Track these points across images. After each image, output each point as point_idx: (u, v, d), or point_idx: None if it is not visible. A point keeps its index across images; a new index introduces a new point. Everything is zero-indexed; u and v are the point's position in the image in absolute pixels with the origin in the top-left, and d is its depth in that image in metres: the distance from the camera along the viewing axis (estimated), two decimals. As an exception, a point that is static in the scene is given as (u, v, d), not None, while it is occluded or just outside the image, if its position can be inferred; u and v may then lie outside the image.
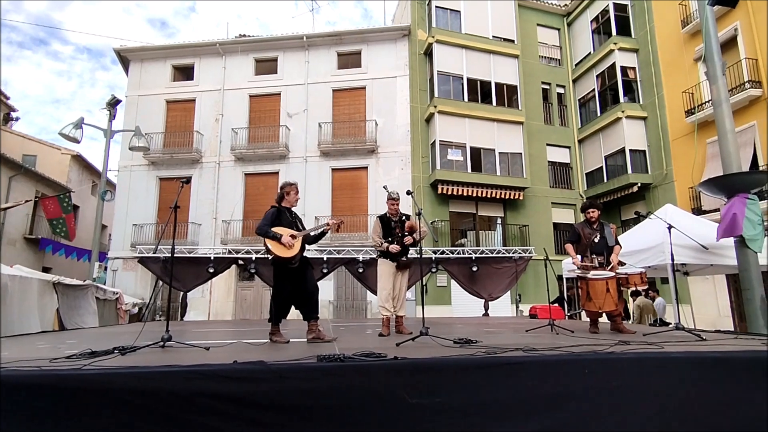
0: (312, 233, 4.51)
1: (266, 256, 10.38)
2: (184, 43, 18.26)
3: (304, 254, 4.42)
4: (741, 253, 5.64)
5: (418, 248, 5.01)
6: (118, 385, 2.18)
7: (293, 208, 4.55)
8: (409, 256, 5.16)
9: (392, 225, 5.06)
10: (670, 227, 5.08)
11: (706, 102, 13.24)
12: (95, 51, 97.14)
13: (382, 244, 4.98)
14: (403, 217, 5.11)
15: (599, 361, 2.64)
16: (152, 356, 3.04)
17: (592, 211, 5.34)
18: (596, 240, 5.24)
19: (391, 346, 3.44)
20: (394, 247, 4.91)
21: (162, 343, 3.51)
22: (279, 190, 4.51)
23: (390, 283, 4.99)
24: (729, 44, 13.10)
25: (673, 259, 5.12)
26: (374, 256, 10.67)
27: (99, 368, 2.37)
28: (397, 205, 5.11)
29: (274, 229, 4.17)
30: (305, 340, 4.30)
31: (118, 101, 12.35)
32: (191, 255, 10.31)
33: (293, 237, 4.21)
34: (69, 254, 18.73)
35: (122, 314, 10.65)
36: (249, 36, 18.66)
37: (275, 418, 2.17)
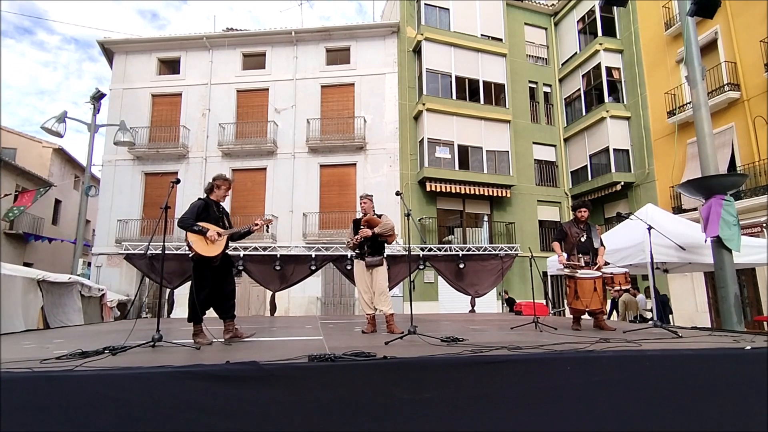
0: (239, 232, 4.31)
1: (253, 253, 10.37)
2: (170, 36, 17.98)
3: (227, 252, 4.23)
4: (717, 252, 5.85)
5: (406, 245, 5.01)
6: (111, 386, 2.20)
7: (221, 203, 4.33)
8: (385, 254, 5.18)
9: (361, 225, 5.13)
10: (649, 228, 5.24)
11: (687, 103, 13.55)
12: (83, 42, 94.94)
13: (348, 243, 5.11)
14: (372, 215, 5.15)
15: (580, 359, 2.76)
16: (144, 356, 3.06)
17: (583, 211, 5.46)
18: (582, 239, 5.37)
19: (380, 345, 3.52)
20: (356, 237, 4.98)
21: (152, 342, 3.52)
22: (211, 181, 4.28)
23: (363, 283, 5.09)
24: (709, 47, 13.43)
25: (652, 258, 5.29)
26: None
27: (91, 369, 2.39)
28: (366, 204, 5.15)
29: (199, 224, 3.94)
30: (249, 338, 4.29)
31: (103, 95, 12.14)
32: (177, 252, 10.21)
33: (219, 234, 3.99)
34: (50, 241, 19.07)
35: (107, 311, 10.53)
36: (237, 30, 18.45)
37: (267, 418, 2.22)
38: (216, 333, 4.27)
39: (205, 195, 4.25)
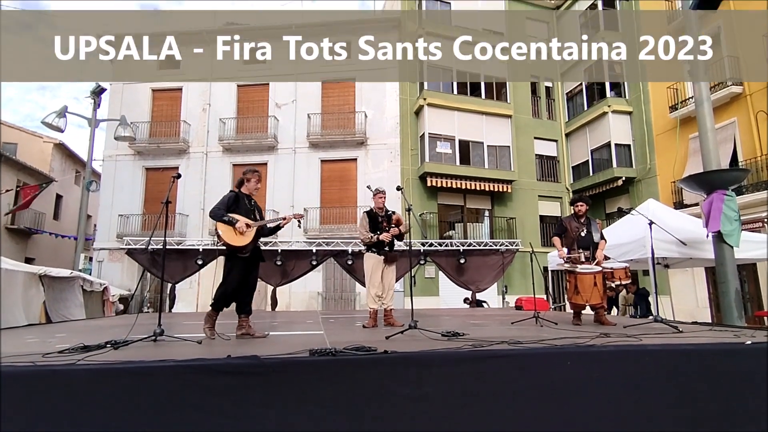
0: (269, 225, 4.30)
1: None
2: (170, 30, 17.89)
3: (258, 246, 4.21)
4: (718, 248, 5.85)
5: (407, 240, 5.14)
6: (113, 380, 2.22)
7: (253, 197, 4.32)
8: (395, 249, 5.28)
9: (379, 219, 5.15)
10: (651, 223, 5.23)
11: (689, 98, 13.48)
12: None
13: (372, 237, 5.05)
14: (389, 212, 5.23)
15: (581, 353, 2.76)
16: (145, 351, 3.07)
17: (580, 205, 5.46)
18: (583, 234, 5.36)
19: (381, 340, 3.52)
20: (386, 235, 4.99)
21: (154, 337, 3.53)
22: (241, 175, 4.31)
23: (378, 276, 5.09)
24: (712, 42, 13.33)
25: (653, 254, 5.28)
26: (362, 248, 10.76)
27: (93, 363, 2.40)
28: (385, 198, 5.21)
29: (229, 215, 3.98)
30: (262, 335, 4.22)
31: (103, 90, 12.11)
32: (179, 247, 10.25)
33: (248, 226, 4.01)
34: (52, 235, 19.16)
35: (109, 306, 10.55)
36: (237, 24, 18.34)
37: (268, 412, 2.23)
38: (224, 329, 4.25)
39: (236, 189, 4.26)
